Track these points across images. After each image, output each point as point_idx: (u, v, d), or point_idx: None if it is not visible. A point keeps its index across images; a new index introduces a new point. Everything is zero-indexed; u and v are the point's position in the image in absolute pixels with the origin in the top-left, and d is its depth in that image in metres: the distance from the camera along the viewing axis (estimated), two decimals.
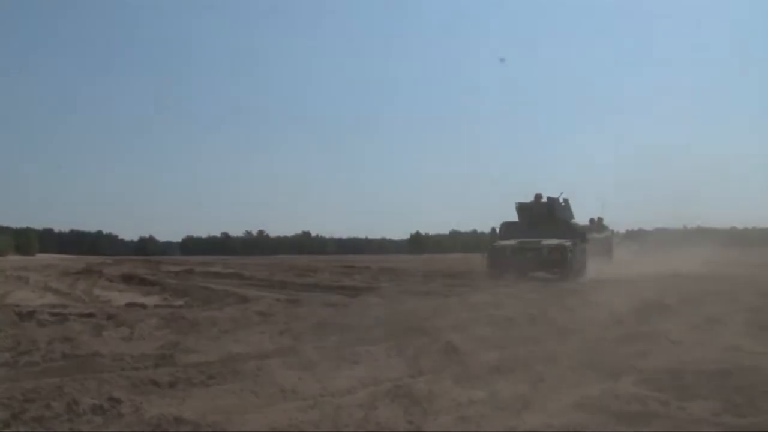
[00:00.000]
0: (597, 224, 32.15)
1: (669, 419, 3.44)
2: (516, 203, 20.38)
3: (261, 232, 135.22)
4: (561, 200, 20.51)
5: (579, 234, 19.32)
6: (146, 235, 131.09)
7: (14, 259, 58.79)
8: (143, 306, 10.41)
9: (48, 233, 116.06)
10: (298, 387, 4.28)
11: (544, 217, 19.58)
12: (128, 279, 19.42)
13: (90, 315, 8.65)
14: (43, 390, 3.90)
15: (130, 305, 10.59)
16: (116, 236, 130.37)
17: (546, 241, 18.06)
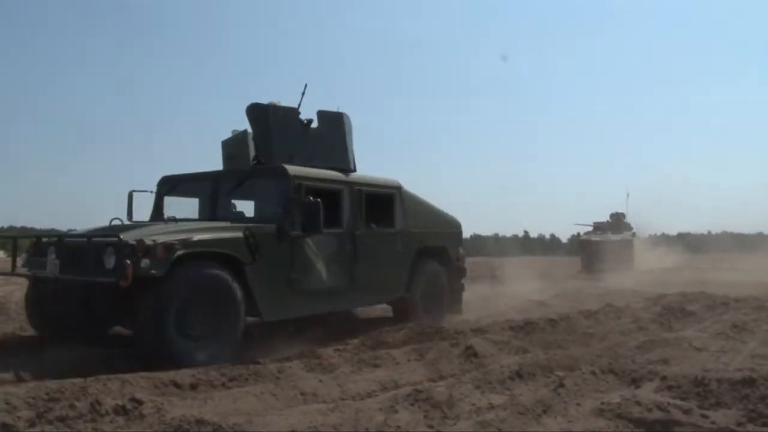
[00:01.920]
0: (615, 222, 28.05)
1: (691, 427, 3.39)
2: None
3: None
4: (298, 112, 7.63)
5: (305, 207, 6.50)
6: None
7: None
8: None
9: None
10: (318, 390, 4.30)
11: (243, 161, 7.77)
12: None
13: None
14: (67, 390, 3.96)
15: None
16: None
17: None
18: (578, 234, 29.03)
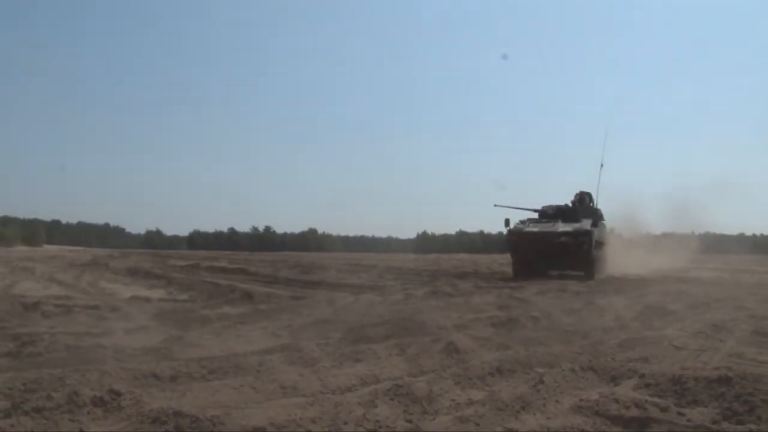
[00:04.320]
0: (576, 205, 19.60)
1: (667, 425, 3.43)
2: None
3: (267, 228, 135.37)
4: None
5: None
6: (153, 228, 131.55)
7: (21, 249, 59.05)
8: (147, 299, 10.45)
9: (55, 225, 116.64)
10: (298, 383, 4.29)
11: None
12: (134, 272, 19.46)
13: (94, 307, 8.70)
14: (45, 381, 3.93)
15: (134, 298, 10.63)
16: (123, 229, 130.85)
17: None
18: (507, 221, 19.16)
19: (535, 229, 18.09)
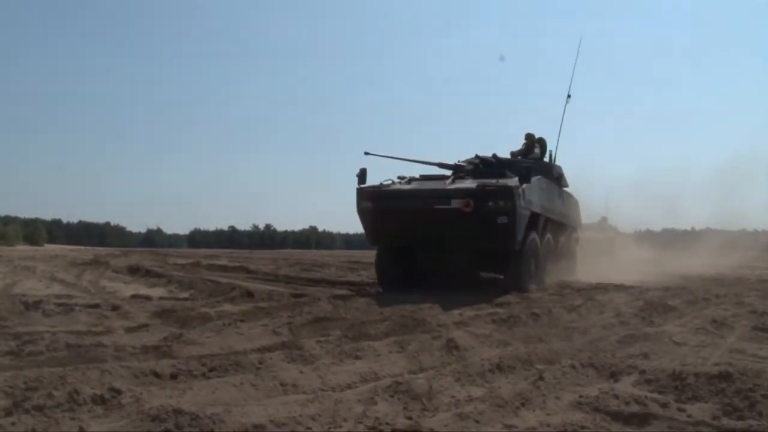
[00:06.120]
0: (518, 157, 12.55)
1: (667, 420, 3.43)
2: None
3: (268, 226, 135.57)
4: None
5: None
6: (154, 227, 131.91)
7: (22, 249, 59.08)
8: (148, 297, 10.44)
9: (56, 224, 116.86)
10: (298, 381, 4.29)
11: None
12: (134, 271, 19.41)
13: (95, 306, 8.70)
14: (46, 379, 3.92)
15: (135, 297, 10.62)
16: (124, 228, 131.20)
17: None
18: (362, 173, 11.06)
19: (407, 187, 10.33)
